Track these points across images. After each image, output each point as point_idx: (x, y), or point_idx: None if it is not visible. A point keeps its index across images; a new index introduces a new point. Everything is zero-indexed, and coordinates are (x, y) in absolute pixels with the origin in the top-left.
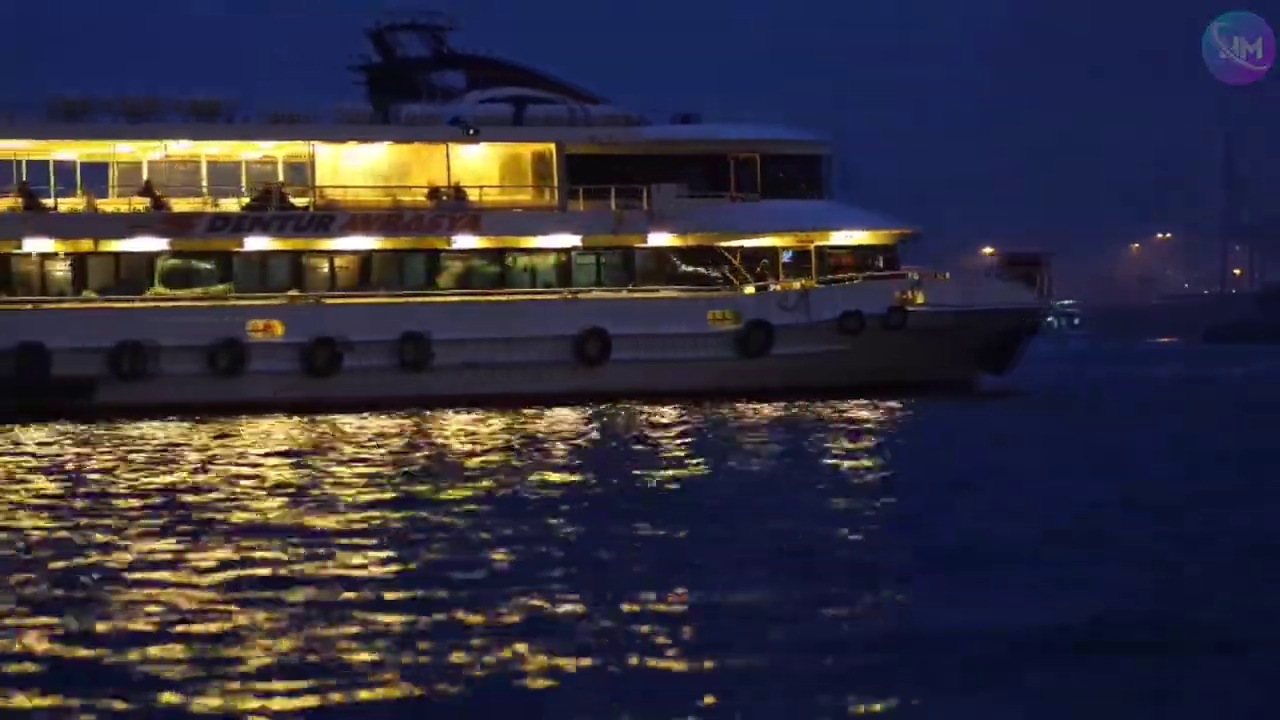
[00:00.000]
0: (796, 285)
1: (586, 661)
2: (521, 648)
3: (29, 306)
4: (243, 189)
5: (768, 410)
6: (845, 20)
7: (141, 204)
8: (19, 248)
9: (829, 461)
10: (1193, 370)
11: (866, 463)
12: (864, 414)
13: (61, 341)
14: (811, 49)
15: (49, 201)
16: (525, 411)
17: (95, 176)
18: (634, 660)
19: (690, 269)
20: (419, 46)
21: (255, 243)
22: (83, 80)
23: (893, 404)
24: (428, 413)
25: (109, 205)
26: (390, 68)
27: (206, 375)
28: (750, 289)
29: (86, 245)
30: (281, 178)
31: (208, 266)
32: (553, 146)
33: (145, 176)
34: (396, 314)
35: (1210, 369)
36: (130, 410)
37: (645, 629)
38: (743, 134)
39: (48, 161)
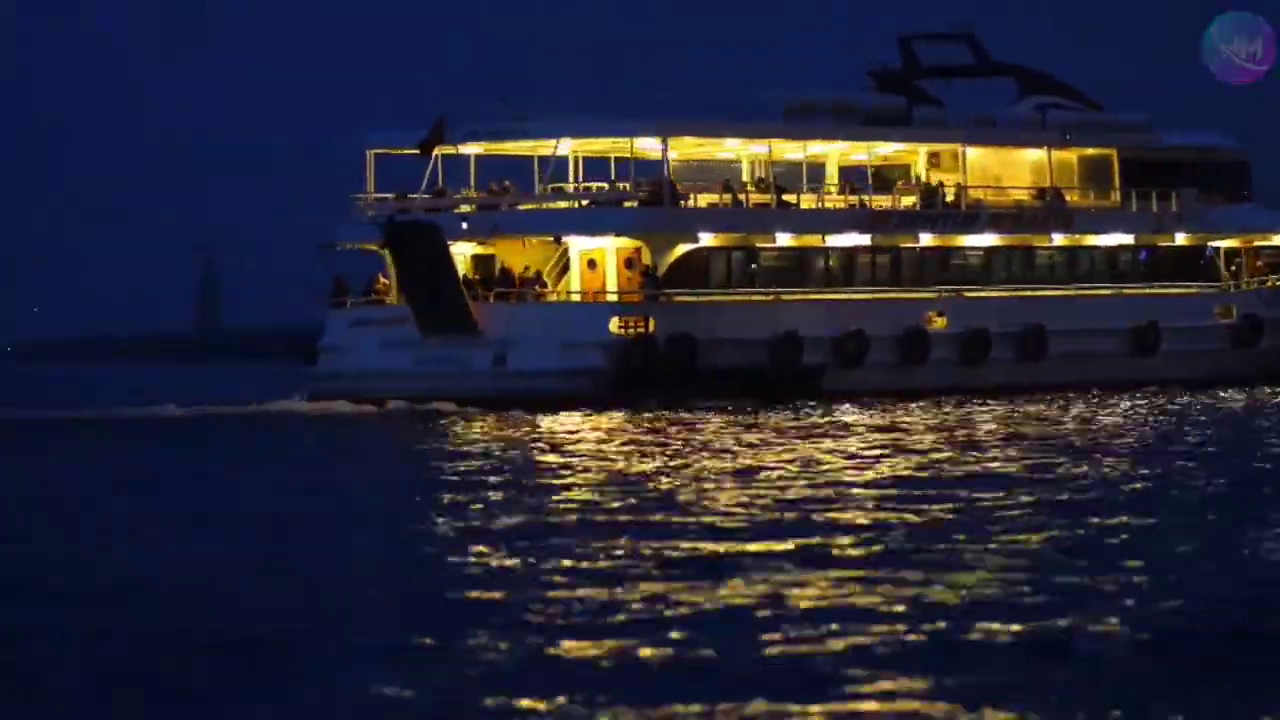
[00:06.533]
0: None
1: None
2: None
3: (770, 298)
4: (896, 189)
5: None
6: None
7: (851, 201)
8: (772, 241)
9: None
10: None
11: None
12: None
13: (809, 330)
14: None
15: (790, 198)
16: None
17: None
18: None
19: (1220, 266)
20: (947, 54)
21: (925, 238)
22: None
23: None
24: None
25: (830, 203)
26: (913, 73)
27: (898, 363)
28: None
29: (814, 240)
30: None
31: (885, 260)
32: (1114, 151)
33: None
34: (1021, 307)
35: None
36: (843, 396)
37: None
38: (1218, 142)
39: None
